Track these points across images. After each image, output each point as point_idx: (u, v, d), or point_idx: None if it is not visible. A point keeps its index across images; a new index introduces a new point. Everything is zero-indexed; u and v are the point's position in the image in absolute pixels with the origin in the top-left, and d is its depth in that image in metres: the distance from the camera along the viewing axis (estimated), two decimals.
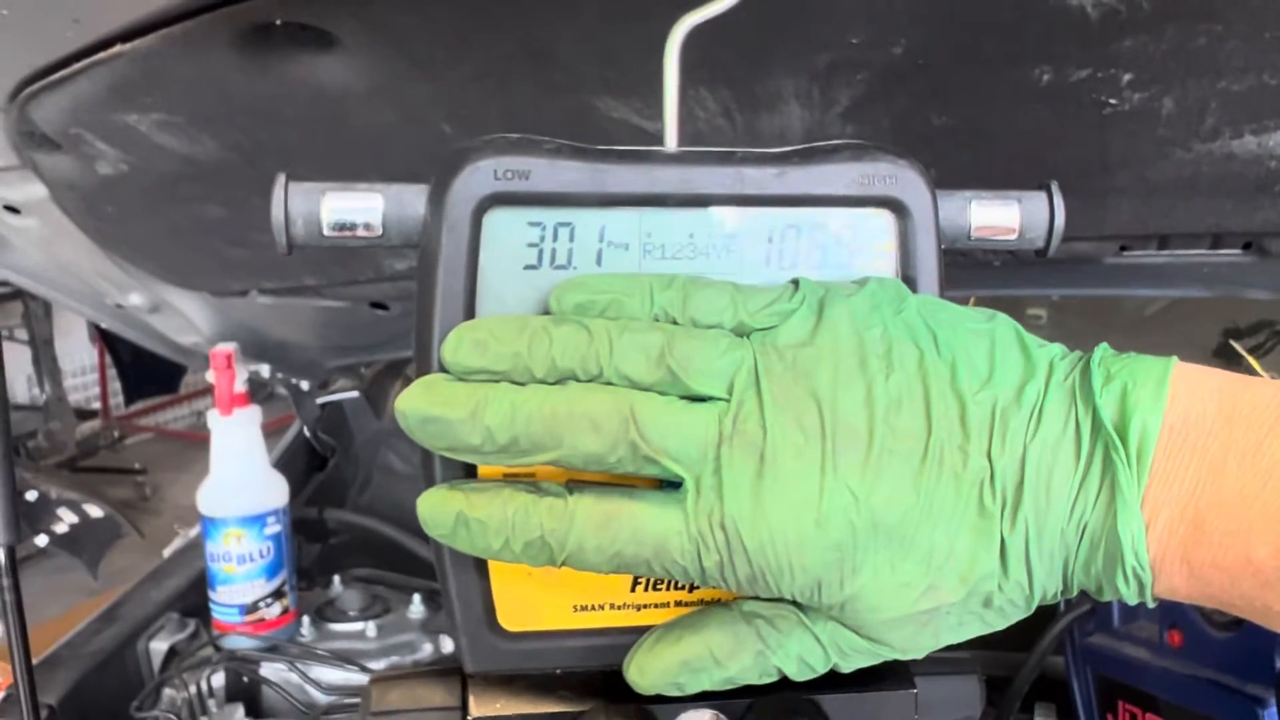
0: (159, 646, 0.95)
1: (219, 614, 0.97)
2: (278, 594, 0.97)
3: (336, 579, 1.07)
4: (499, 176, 0.35)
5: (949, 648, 0.37)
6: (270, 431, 1.14)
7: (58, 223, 0.87)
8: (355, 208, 0.37)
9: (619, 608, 0.39)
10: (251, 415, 0.98)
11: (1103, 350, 0.35)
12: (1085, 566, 0.34)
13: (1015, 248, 0.41)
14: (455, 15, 0.58)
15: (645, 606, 0.39)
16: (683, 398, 0.34)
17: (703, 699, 0.38)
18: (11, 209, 0.87)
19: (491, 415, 0.33)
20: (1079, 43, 0.56)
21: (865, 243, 0.38)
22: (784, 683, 0.37)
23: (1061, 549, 0.34)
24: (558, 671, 0.40)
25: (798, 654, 0.36)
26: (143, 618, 0.97)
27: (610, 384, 0.34)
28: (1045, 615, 0.80)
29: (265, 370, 1.18)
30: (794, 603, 0.35)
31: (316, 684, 0.91)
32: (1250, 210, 0.71)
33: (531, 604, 0.39)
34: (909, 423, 0.33)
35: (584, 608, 0.39)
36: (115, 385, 4.30)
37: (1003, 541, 0.34)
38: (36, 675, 0.85)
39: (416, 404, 0.34)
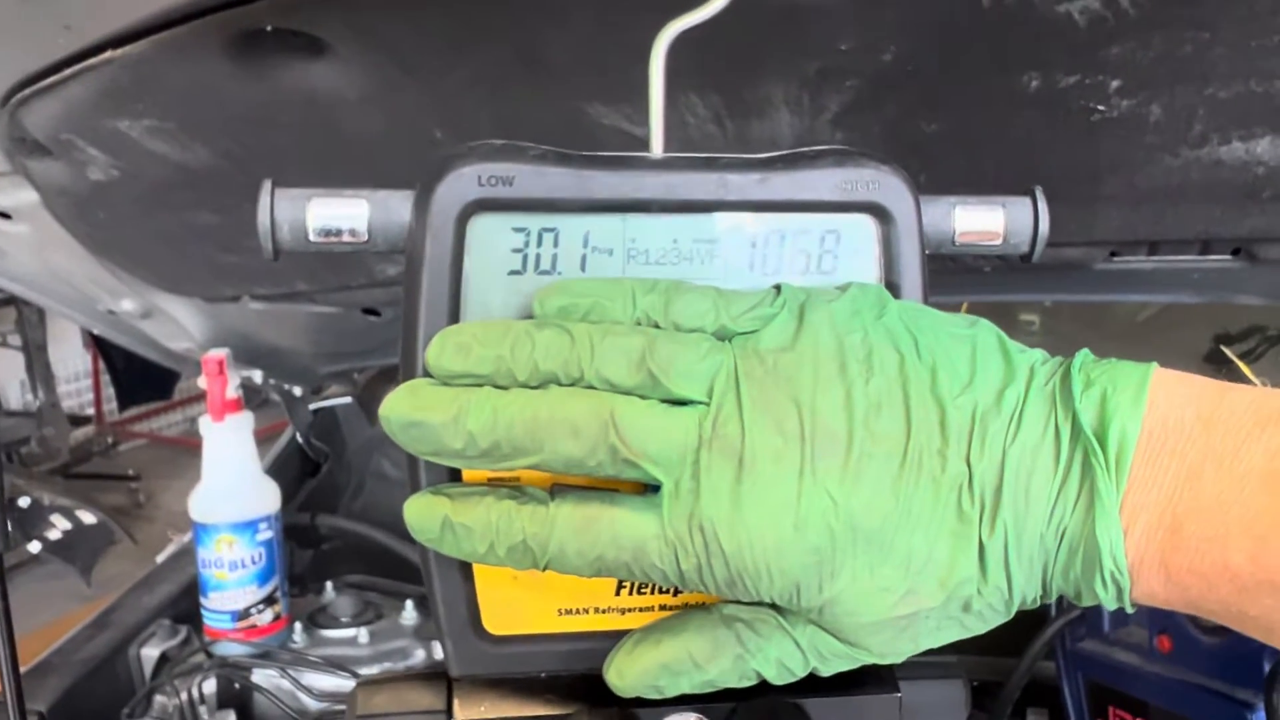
0: (150, 653, 0.95)
1: (211, 620, 0.97)
2: (269, 600, 0.97)
3: (329, 585, 1.07)
4: (483, 182, 0.35)
5: (935, 651, 0.37)
6: (265, 438, 1.15)
7: (49, 229, 0.88)
8: (340, 214, 0.37)
9: (604, 611, 0.39)
10: (244, 421, 0.98)
11: (1083, 356, 0.35)
12: (1064, 571, 0.34)
13: (1000, 253, 0.41)
14: (447, 22, 0.58)
15: (630, 610, 0.39)
16: (664, 401, 0.34)
17: (686, 702, 0.38)
18: (3, 215, 0.87)
19: (473, 420, 0.33)
20: (1067, 50, 0.57)
21: (848, 248, 0.38)
22: (768, 686, 0.37)
23: (1040, 554, 0.34)
24: (543, 675, 0.40)
25: (776, 657, 0.36)
26: (134, 624, 0.97)
27: (592, 388, 0.34)
28: (1036, 620, 0.80)
29: (258, 376, 1.18)
30: (773, 606, 0.36)
31: (308, 690, 0.91)
32: (1239, 216, 0.72)
33: (516, 608, 0.39)
34: (888, 427, 0.33)
35: (569, 611, 0.39)
36: (109, 391, 4.30)
37: (981, 546, 0.34)
38: (27, 682, 0.85)
39: (399, 408, 0.34)
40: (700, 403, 0.34)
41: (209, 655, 0.95)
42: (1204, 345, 1.26)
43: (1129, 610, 0.35)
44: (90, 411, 4.61)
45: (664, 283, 0.35)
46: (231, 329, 1.10)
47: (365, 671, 0.93)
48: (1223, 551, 0.32)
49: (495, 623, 0.39)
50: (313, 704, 0.91)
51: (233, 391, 0.98)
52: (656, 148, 0.38)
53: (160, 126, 0.68)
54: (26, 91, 0.65)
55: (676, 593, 0.39)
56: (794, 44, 0.58)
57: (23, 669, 0.86)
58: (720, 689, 0.37)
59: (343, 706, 0.89)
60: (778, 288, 0.36)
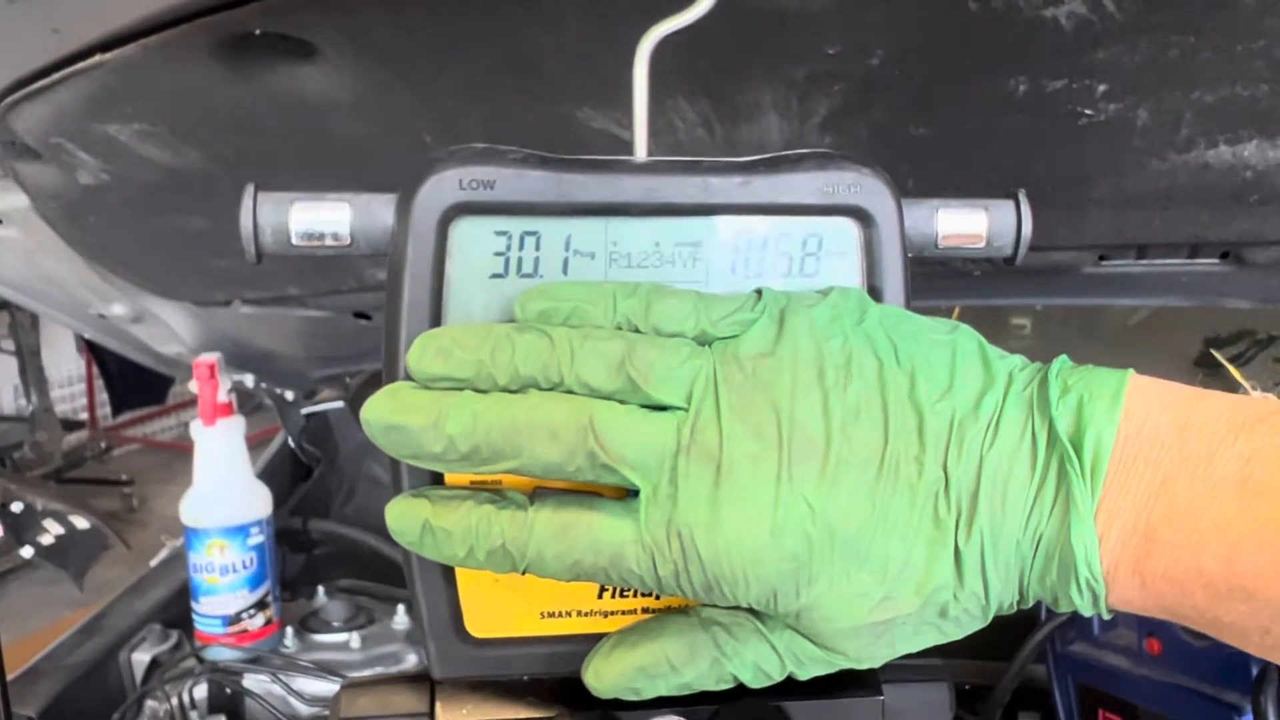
0: (141, 658, 0.94)
1: (202, 625, 0.97)
2: (261, 605, 0.97)
3: (320, 590, 1.07)
4: (464, 186, 0.36)
5: (922, 654, 0.37)
6: (257, 442, 1.14)
7: (40, 233, 0.87)
8: (323, 218, 0.37)
9: (586, 614, 0.39)
10: (235, 425, 0.98)
11: (1060, 362, 0.35)
12: (1040, 577, 0.34)
13: (983, 255, 0.41)
14: (438, 27, 0.58)
15: (612, 614, 0.39)
16: (644, 406, 0.34)
17: (668, 705, 0.38)
18: None
19: (453, 424, 0.33)
20: (1054, 54, 0.57)
21: (830, 251, 0.38)
22: (750, 689, 0.37)
23: (1017, 560, 0.34)
24: (525, 677, 0.40)
25: (754, 661, 0.36)
26: (125, 629, 0.96)
27: (572, 392, 0.34)
28: (1027, 624, 0.80)
29: (249, 380, 1.18)
30: (751, 611, 0.36)
31: (300, 695, 0.91)
32: (1227, 220, 0.72)
33: (499, 611, 0.39)
34: (866, 433, 0.33)
35: (551, 614, 0.39)
36: (102, 396, 4.29)
37: (958, 552, 0.34)
38: (18, 687, 0.84)
39: (380, 412, 0.34)
40: (679, 408, 0.34)
41: (200, 660, 0.95)
42: (1195, 349, 1.26)
43: (1105, 617, 0.35)
44: (84, 416, 4.60)
45: (645, 287, 0.35)
46: (223, 333, 1.10)
47: (357, 676, 0.93)
48: (1196, 558, 0.32)
49: (478, 625, 0.39)
50: (304, 709, 0.91)
51: (224, 396, 0.97)
52: (640, 151, 0.39)
53: (150, 130, 0.68)
54: (15, 95, 0.65)
55: (658, 596, 0.39)
56: (782, 48, 0.58)
57: (14, 674, 0.86)
58: (700, 691, 0.37)
59: None
60: (759, 292, 0.36)
